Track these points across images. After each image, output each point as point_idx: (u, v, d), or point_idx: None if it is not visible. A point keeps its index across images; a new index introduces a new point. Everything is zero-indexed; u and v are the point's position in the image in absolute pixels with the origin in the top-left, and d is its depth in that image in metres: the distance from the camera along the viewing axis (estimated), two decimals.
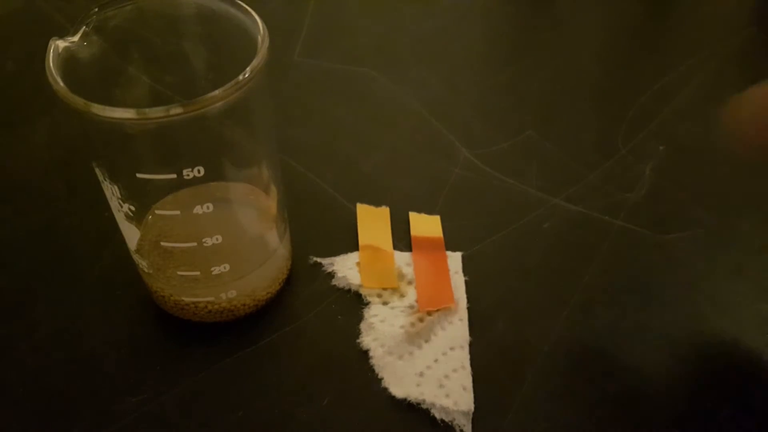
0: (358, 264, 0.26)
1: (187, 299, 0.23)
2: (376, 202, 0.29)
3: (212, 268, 0.22)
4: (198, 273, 0.22)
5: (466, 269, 0.27)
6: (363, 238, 0.27)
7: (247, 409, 0.22)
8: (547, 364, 0.24)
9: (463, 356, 0.23)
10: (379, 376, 0.23)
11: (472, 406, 0.22)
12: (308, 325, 0.25)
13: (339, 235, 0.28)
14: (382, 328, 0.24)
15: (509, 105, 0.36)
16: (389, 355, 0.23)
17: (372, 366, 0.23)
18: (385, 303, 0.25)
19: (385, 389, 0.23)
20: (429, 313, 0.25)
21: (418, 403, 0.22)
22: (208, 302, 0.23)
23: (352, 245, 0.27)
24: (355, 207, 0.29)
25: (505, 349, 0.24)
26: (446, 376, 0.23)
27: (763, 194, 0.30)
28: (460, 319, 0.25)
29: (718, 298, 0.26)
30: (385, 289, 0.26)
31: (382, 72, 0.37)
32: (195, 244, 0.21)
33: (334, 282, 0.26)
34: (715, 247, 0.28)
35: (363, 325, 0.24)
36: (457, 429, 0.21)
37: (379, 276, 0.26)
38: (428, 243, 0.27)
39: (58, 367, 0.23)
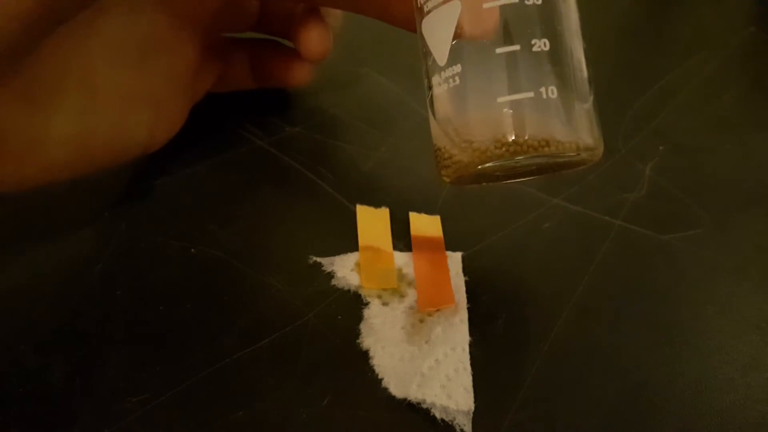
0: (357, 264, 0.26)
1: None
2: (376, 202, 0.29)
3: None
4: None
5: (466, 269, 0.26)
6: (363, 239, 0.27)
7: (247, 409, 0.22)
8: (547, 364, 0.24)
9: (463, 356, 0.23)
10: (379, 377, 0.23)
11: (472, 406, 0.22)
12: (308, 325, 0.25)
13: (339, 235, 0.28)
14: (382, 328, 0.24)
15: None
16: (389, 356, 0.23)
17: (372, 366, 0.23)
18: (385, 304, 0.25)
19: (385, 389, 0.23)
20: (429, 314, 0.25)
21: (419, 403, 0.22)
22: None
23: (352, 245, 0.27)
24: (355, 207, 0.29)
25: (505, 349, 0.24)
26: (447, 377, 0.23)
27: (763, 194, 0.30)
28: (461, 320, 0.25)
29: (718, 298, 0.26)
30: (385, 289, 0.26)
31: (382, 72, 0.37)
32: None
33: (333, 282, 0.26)
34: (715, 247, 0.28)
35: (363, 326, 0.24)
36: (458, 428, 0.21)
37: (379, 277, 0.26)
38: (428, 243, 0.27)
39: (58, 367, 0.23)
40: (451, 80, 0.21)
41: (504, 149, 0.20)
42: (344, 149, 0.32)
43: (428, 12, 0.22)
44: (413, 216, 0.29)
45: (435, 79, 0.22)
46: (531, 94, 0.20)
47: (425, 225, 0.28)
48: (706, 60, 0.39)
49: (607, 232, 0.28)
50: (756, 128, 0.34)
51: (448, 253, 0.27)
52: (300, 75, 0.33)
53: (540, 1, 0.21)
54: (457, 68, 0.21)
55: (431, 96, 0.23)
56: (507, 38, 0.20)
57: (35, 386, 0.23)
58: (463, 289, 0.26)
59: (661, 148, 0.33)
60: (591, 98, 0.23)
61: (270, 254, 0.27)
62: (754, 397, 0.23)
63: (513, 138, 0.20)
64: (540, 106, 0.21)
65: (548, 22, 0.21)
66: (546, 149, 0.21)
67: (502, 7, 0.20)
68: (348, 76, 0.37)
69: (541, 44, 0.21)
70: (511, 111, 0.20)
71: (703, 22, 0.44)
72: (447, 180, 0.22)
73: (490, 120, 0.21)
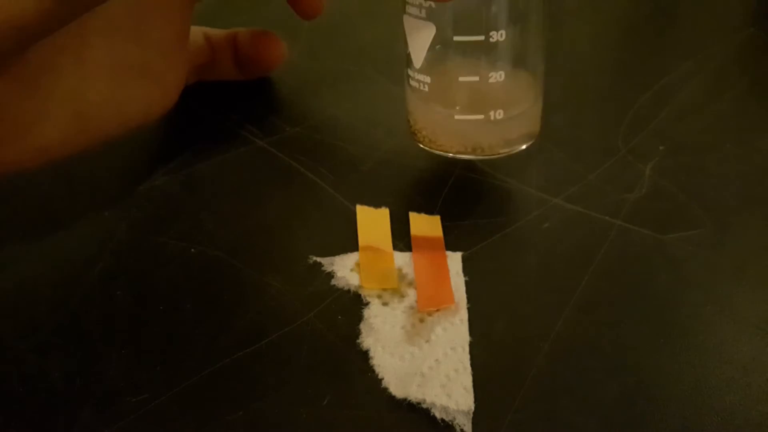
0: (357, 264, 0.26)
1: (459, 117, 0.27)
2: (376, 202, 0.29)
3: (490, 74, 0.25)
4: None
5: (466, 269, 0.27)
6: (363, 240, 0.27)
7: (247, 409, 0.22)
8: (547, 364, 0.24)
9: (463, 356, 0.23)
10: (379, 376, 0.23)
11: (472, 406, 0.22)
12: (308, 325, 0.25)
13: (339, 235, 0.28)
14: (382, 328, 0.24)
15: None
16: (389, 356, 0.23)
17: (372, 366, 0.23)
18: (385, 303, 0.25)
19: (385, 389, 0.23)
20: (429, 314, 0.25)
21: (419, 403, 0.22)
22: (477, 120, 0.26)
23: (352, 245, 0.27)
24: (355, 207, 0.29)
25: (505, 349, 0.24)
26: (447, 377, 0.23)
27: (763, 194, 0.30)
28: (461, 320, 0.25)
29: (718, 298, 0.26)
30: (385, 289, 0.26)
31: (382, 72, 0.37)
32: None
33: (333, 282, 0.26)
34: (715, 247, 0.28)
35: (363, 326, 0.24)
36: (458, 428, 0.21)
37: (379, 277, 0.26)
38: (428, 243, 0.27)
39: (58, 367, 0.23)
40: (421, 84, 0.28)
41: (455, 151, 0.28)
42: (344, 149, 0.32)
43: (409, 12, 0.26)
44: (413, 216, 0.29)
45: (410, 71, 0.28)
46: (481, 117, 0.27)
47: (425, 225, 0.28)
48: (706, 60, 0.39)
49: (607, 232, 0.28)
50: (756, 128, 0.34)
51: (448, 253, 0.27)
52: (277, 52, 0.33)
53: (502, 38, 0.25)
54: (427, 79, 0.27)
55: (408, 79, 0.28)
56: (469, 69, 0.26)
57: (35, 386, 0.23)
58: (463, 289, 0.26)
59: (661, 148, 0.33)
60: (536, 109, 0.29)
61: (270, 254, 0.27)
62: (754, 397, 0.23)
63: (463, 147, 0.28)
64: (487, 125, 0.27)
65: (505, 56, 0.26)
66: (489, 155, 0.29)
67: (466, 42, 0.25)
68: (348, 76, 0.37)
69: (497, 76, 0.26)
70: (464, 127, 0.27)
71: (703, 22, 0.44)
72: (415, 141, 0.29)
73: (447, 129, 0.28)
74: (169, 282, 0.26)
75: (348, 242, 0.27)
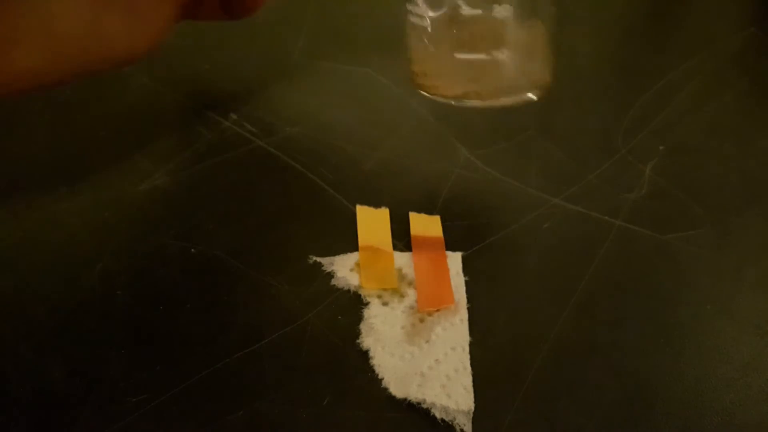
0: (357, 264, 0.26)
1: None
2: (376, 202, 0.29)
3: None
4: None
5: (466, 269, 0.27)
6: (363, 240, 0.27)
7: (247, 409, 0.22)
8: (547, 364, 0.24)
9: (463, 356, 0.23)
10: (380, 376, 0.23)
11: (472, 406, 0.22)
12: (308, 325, 0.25)
13: (339, 235, 0.28)
14: (382, 328, 0.24)
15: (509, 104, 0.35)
16: (389, 356, 0.23)
17: (372, 366, 0.23)
18: (385, 303, 0.25)
19: (385, 389, 0.23)
20: (429, 314, 0.25)
21: (419, 403, 0.22)
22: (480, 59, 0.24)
23: (352, 245, 0.27)
24: (355, 207, 0.29)
25: (505, 349, 0.24)
26: (447, 377, 0.23)
27: (763, 194, 0.30)
28: (461, 319, 0.25)
29: (718, 298, 0.26)
30: (385, 289, 0.26)
31: (382, 72, 0.37)
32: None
33: (333, 282, 0.26)
34: (715, 247, 0.28)
35: (363, 326, 0.24)
36: (458, 428, 0.21)
37: (379, 277, 0.26)
38: (428, 243, 0.27)
39: (58, 367, 0.23)
40: (421, 20, 0.25)
41: (456, 95, 0.25)
42: (344, 149, 0.32)
43: None
44: (413, 216, 0.29)
45: (410, 6, 0.25)
46: (484, 55, 0.24)
47: (425, 225, 0.28)
48: (706, 60, 0.39)
49: (607, 232, 0.28)
50: (756, 128, 0.34)
51: (448, 253, 0.27)
52: None
53: None
54: (428, 13, 0.24)
55: (408, 15, 0.26)
56: (473, 2, 0.24)
57: (35, 386, 0.23)
58: (463, 289, 0.26)
59: (661, 148, 0.33)
60: (544, 55, 0.26)
61: (270, 254, 0.27)
62: (754, 397, 0.23)
63: (465, 91, 0.25)
64: (491, 65, 0.24)
65: None
66: (492, 101, 0.25)
67: None
68: (347, 76, 0.37)
69: (502, 10, 0.24)
70: (467, 67, 0.25)
71: (703, 22, 0.44)
72: (414, 87, 0.27)
73: (448, 69, 0.25)
74: (169, 282, 0.26)
75: (348, 242, 0.27)
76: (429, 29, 0.25)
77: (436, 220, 0.28)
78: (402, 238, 0.28)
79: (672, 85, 0.37)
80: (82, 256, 0.27)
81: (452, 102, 0.26)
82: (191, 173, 0.31)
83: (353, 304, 0.25)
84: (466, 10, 0.24)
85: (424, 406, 0.22)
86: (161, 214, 0.29)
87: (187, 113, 0.34)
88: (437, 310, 0.25)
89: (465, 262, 0.27)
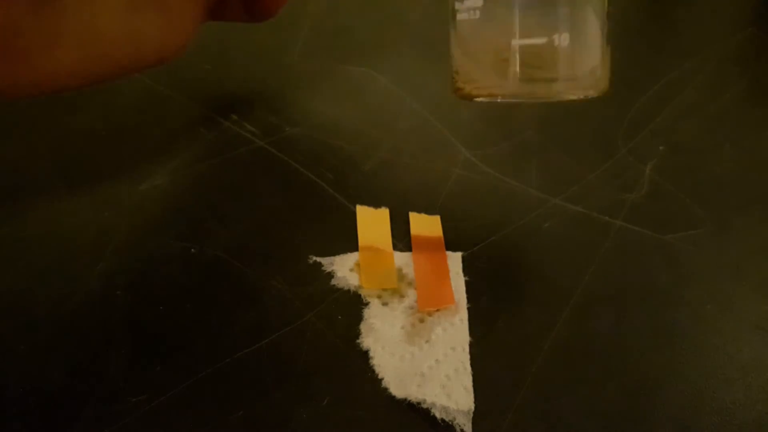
0: (357, 264, 0.26)
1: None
2: (376, 202, 0.29)
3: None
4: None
5: (466, 269, 0.27)
6: (363, 240, 0.27)
7: (247, 409, 0.22)
8: (547, 364, 0.24)
9: (463, 356, 0.23)
10: (379, 376, 0.23)
11: (472, 406, 0.22)
12: (308, 325, 0.25)
13: (339, 235, 0.28)
14: (382, 328, 0.24)
15: (509, 105, 0.35)
16: (389, 356, 0.23)
17: (372, 366, 0.23)
18: (384, 304, 0.25)
19: (385, 389, 0.23)
20: (429, 314, 0.25)
21: (419, 403, 0.22)
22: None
23: (352, 245, 0.27)
24: (355, 207, 0.29)
25: (505, 349, 0.24)
26: (447, 377, 0.23)
27: (763, 194, 0.30)
28: (461, 320, 0.25)
29: (718, 298, 0.26)
30: (385, 289, 0.26)
31: (382, 72, 0.37)
32: None
33: (333, 282, 0.26)
34: (715, 247, 0.28)
35: (363, 326, 0.24)
36: (458, 428, 0.21)
37: (379, 277, 0.26)
38: (428, 243, 0.27)
39: (58, 367, 0.23)
40: (472, 12, 0.23)
41: (511, 93, 0.23)
42: (344, 149, 0.32)
43: None
44: (413, 216, 0.29)
45: (458, 4, 0.24)
46: (544, 40, 0.22)
47: (425, 225, 0.28)
48: (706, 60, 0.39)
49: (607, 232, 0.28)
50: (756, 128, 0.34)
51: (448, 253, 0.27)
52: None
53: None
54: (479, 3, 0.23)
55: (453, 17, 0.24)
56: None
57: (35, 386, 0.23)
58: (463, 289, 0.26)
59: (661, 148, 0.33)
60: (603, 47, 0.24)
61: (270, 254, 0.27)
62: (754, 397, 0.23)
63: (521, 79, 0.23)
64: (551, 52, 0.22)
65: None
66: (551, 97, 0.23)
67: None
68: (348, 76, 0.37)
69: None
70: (524, 54, 0.22)
71: (703, 22, 0.44)
72: (458, 96, 0.24)
73: (503, 59, 0.23)
74: (169, 282, 0.26)
75: (348, 242, 0.27)
76: (479, 19, 0.23)
77: (436, 220, 0.28)
78: (402, 238, 0.28)
79: (672, 85, 0.37)
80: (82, 256, 0.27)
81: (502, 99, 0.24)
82: (191, 173, 0.31)
83: (353, 304, 0.25)
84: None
85: (424, 406, 0.22)
86: (161, 214, 0.29)
87: (188, 113, 0.34)
88: (437, 310, 0.25)
89: (465, 262, 0.27)
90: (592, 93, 0.24)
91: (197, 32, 0.28)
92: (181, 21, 0.27)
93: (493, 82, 0.23)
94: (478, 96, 0.24)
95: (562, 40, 0.22)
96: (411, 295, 0.25)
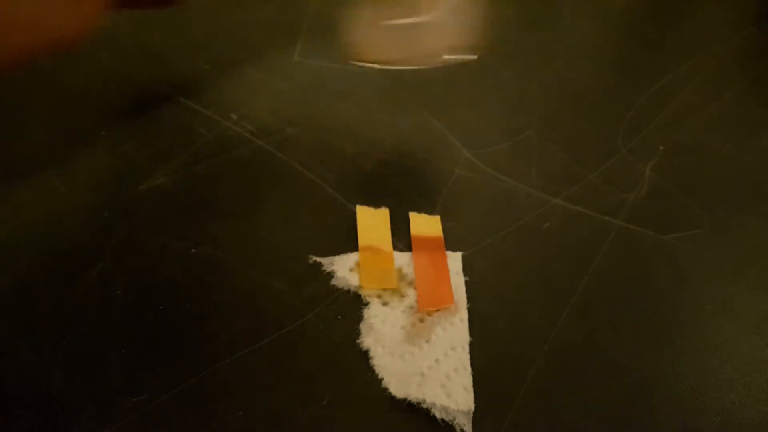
0: (357, 264, 0.26)
1: None
2: (376, 202, 0.29)
3: None
4: None
5: (466, 269, 0.27)
6: (363, 240, 0.27)
7: (247, 409, 0.22)
8: (547, 364, 0.24)
9: (463, 356, 0.23)
10: (380, 376, 0.23)
11: (472, 406, 0.22)
12: (308, 325, 0.25)
13: (339, 234, 0.28)
14: (382, 328, 0.24)
15: (509, 105, 0.36)
16: (389, 356, 0.23)
17: (372, 366, 0.23)
18: (384, 303, 0.25)
19: (385, 389, 0.23)
20: (429, 314, 0.25)
21: (419, 403, 0.22)
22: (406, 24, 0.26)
23: (352, 245, 0.27)
24: (355, 207, 0.29)
25: (505, 349, 0.24)
26: (447, 376, 0.23)
27: (763, 194, 0.30)
28: (461, 319, 0.25)
29: (718, 298, 0.26)
30: (385, 289, 0.26)
31: (382, 72, 0.37)
32: None
33: (333, 282, 0.26)
34: (715, 247, 0.28)
35: (363, 326, 0.24)
36: (458, 428, 0.22)
37: (379, 277, 0.26)
38: (428, 243, 0.27)
39: (58, 367, 0.23)
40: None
41: (383, 61, 0.28)
42: (344, 149, 0.32)
43: None
44: (413, 216, 0.29)
45: None
46: (411, 20, 0.26)
47: (425, 225, 0.28)
48: (706, 60, 0.39)
49: (607, 232, 0.28)
50: (756, 128, 0.34)
51: (448, 253, 0.27)
52: None
53: None
54: None
55: None
56: None
57: (35, 386, 0.23)
58: (463, 289, 0.26)
59: (661, 148, 0.33)
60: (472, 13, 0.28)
61: (270, 254, 0.27)
62: (754, 397, 0.23)
63: (389, 57, 0.28)
64: (422, 28, 0.27)
65: None
66: (431, 64, 0.28)
67: None
68: (347, 76, 0.37)
69: None
70: (392, 34, 0.27)
71: (703, 22, 0.44)
72: (352, 59, 0.29)
73: (375, 37, 0.28)
74: (169, 282, 0.26)
75: (348, 242, 0.27)
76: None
77: (436, 220, 0.28)
78: (402, 238, 0.28)
79: (672, 85, 0.37)
80: (82, 256, 0.27)
81: (377, 65, 0.28)
82: (191, 173, 0.31)
83: (353, 304, 0.25)
84: None
85: (424, 406, 0.22)
86: (161, 214, 0.29)
87: (187, 113, 0.34)
88: (437, 310, 0.25)
89: (465, 262, 0.27)
90: (470, 54, 0.28)
91: (101, 20, 0.27)
92: (83, 7, 0.26)
93: (371, 53, 0.28)
94: (361, 62, 0.28)
95: (430, 17, 0.26)
96: (411, 295, 0.25)
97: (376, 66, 0.28)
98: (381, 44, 0.28)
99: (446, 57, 0.27)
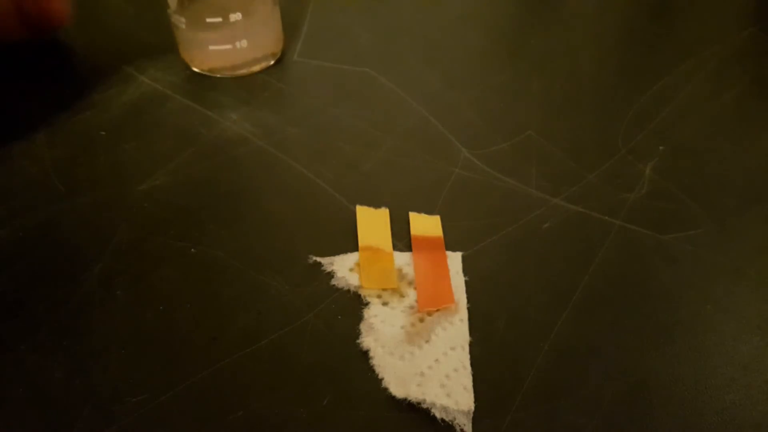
0: (357, 264, 0.26)
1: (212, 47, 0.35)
2: (376, 202, 0.29)
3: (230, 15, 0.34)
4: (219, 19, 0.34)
5: (466, 269, 0.27)
6: (363, 240, 0.27)
7: (247, 409, 0.22)
8: (547, 363, 0.24)
9: (463, 356, 0.23)
10: (379, 376, 0.23)
11: (472, 406, 0.22)
12: (308, 325, 0.25)
13: (339, 235, 0.28)
14: (382, 328, 0.24)
15: (509, 105, 0.36)
16: (389, 355, 0.23)
17: (372, 366, 0.23)
18: (384, 303, 0.25)
19: (385, 389, 0.23)
20: (429, 313, 0.25)
21: (419, 403, 0.22)
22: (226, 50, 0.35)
23: (352, 245, 0.27)
24: (355, 207, 0.29)
25: (505, 349, 0.24)
26: (447, 376, 0.23)
27: (763, 194, 0.30)
28: (461, 319, 0.25)
29: (718, 298, 0.26)
30: (385, 289, 0.26)
31: (382, 72, 0.37)
32: None
33: (333, 282, 0.26)
34: (715, 247, 0.28)
35: (363, 326, 0.24)
36: (458, 428, 0.22)
37: (379, 277, 0.26)
38: (428, 243, 0.27)
39: (58, 367, 0.23)
40: (180, 23, 0.35)
41: (212, 70, 0.37)
42: (344, 149, 0.32)
43: None
44: (413, 216, 0.29)
45: (170, 12, 0.35)
46: (229, 46, 0.36)
47: (425, 225, 0.28)
48: (706, 60, 0.39)
49: (607, 232, 0.28)
50: (756, 128, 0.34)
51: (448, 253, 0.27)
52: (60, 6, 0.35)
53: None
54: (183, 20, 0.35)
55: (170, 17, 0.36)
56: (214, 12, 0.34)
57: (35, 386, 0.23)
58: (463, 288, 0.26)
59: (661, 148, 0.33)
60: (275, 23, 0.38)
61: (270, 254, 0.27)
62: (754, 397, 0.23)
63: (218, 69, 0.37)
64: (234, 53, 0.36)
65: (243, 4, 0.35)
66: (242, 73, 0.37)
67: None
68: (347, 76, 0.37)
69: (235, 16, 0.34)
70: (218, 55, 0.36)
71: (703, 22, 0.44)
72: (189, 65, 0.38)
73: (206, 56, 0.36)
74: (169, 282, 0.26)
75: (348, 242, 0.27)
76: (186, 30, 0.35)
77: (436, 220, 0.28)
78: (402, 238, 0.28)
79: (672, 85, 0.37)
80: (82, 256, 0.27)
81: (208, 74, 0.37)
82: (191, 173, 0.31)
83: (353, 304, 0.25)
84: (209, 18, 0.34)
85: (424, 406, 0.22)
86: (161, 214, 0.29)
87: (188, 113, 0.34)
88: (437, 310, 0.25)
89: (465, 262, 0.27)
90: (270, 61, 0.38)
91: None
92: None
93: (204, 66, 0.37)
94: (198, 69, 0.37)
95: (242, 44, 0.36)
96: (411, 295, 0.26)
97: (204, 72, 0.37)
98: (207, 61, 0.37)
99: (255, 67, 0.37)
